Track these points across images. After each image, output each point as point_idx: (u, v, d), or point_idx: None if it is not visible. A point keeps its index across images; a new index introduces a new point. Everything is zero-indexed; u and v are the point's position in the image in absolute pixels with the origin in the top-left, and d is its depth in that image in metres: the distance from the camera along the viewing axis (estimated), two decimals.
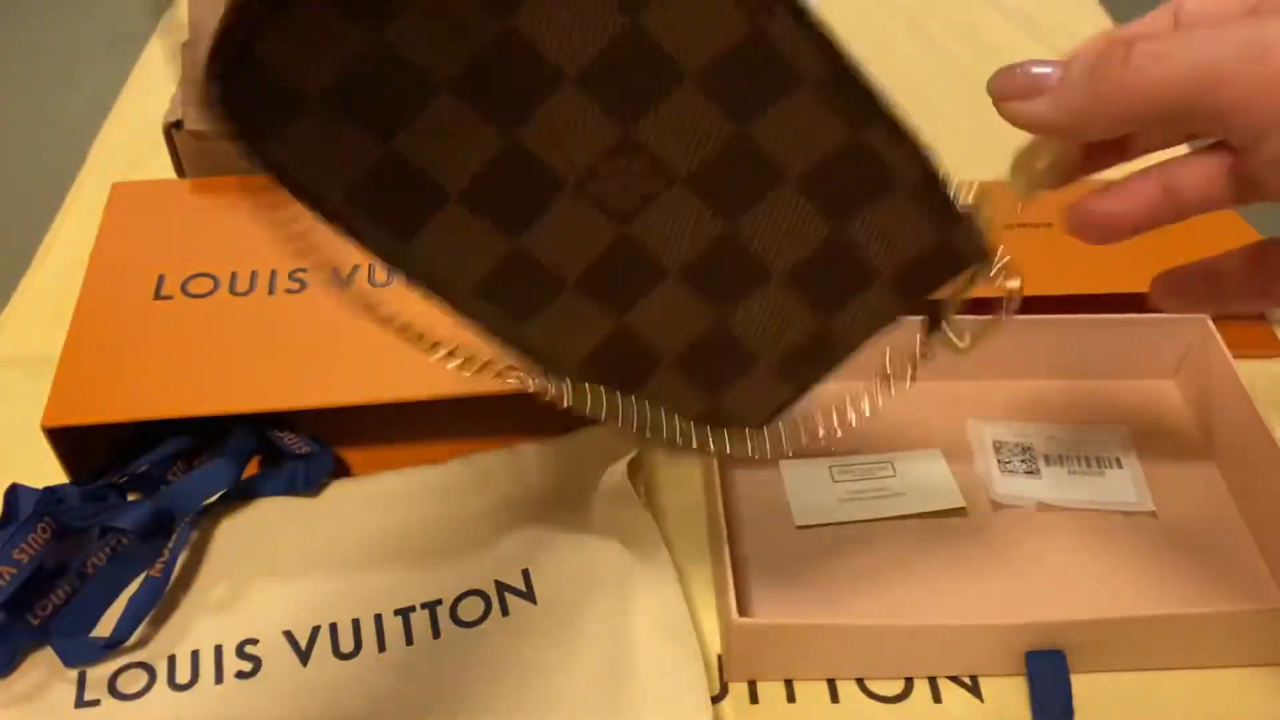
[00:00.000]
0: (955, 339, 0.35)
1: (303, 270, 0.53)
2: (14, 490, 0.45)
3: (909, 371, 0.35)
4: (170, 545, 0.44)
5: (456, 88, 0.27)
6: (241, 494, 0.48)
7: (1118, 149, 0.32)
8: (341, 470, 0.51)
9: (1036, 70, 0.27)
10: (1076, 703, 0.41)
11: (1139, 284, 0.55)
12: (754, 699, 0.43)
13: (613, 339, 0.33)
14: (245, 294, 0.51)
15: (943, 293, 0.34)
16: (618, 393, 0.34)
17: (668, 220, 0.31)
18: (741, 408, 0.35)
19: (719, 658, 0.44)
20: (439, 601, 0.44)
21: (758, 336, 0.34)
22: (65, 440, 0.46)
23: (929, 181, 0.31)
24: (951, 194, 0.31)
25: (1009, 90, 0.28)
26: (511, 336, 0.32)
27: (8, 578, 0.41)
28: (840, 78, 0.28)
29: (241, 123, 0.27)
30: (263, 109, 0.26)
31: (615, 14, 0.27)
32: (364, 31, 0.26)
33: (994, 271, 0.33)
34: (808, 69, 0.28)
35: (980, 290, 0.33)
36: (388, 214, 0.29)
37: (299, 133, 0.27)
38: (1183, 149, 0.31)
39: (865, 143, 0.30)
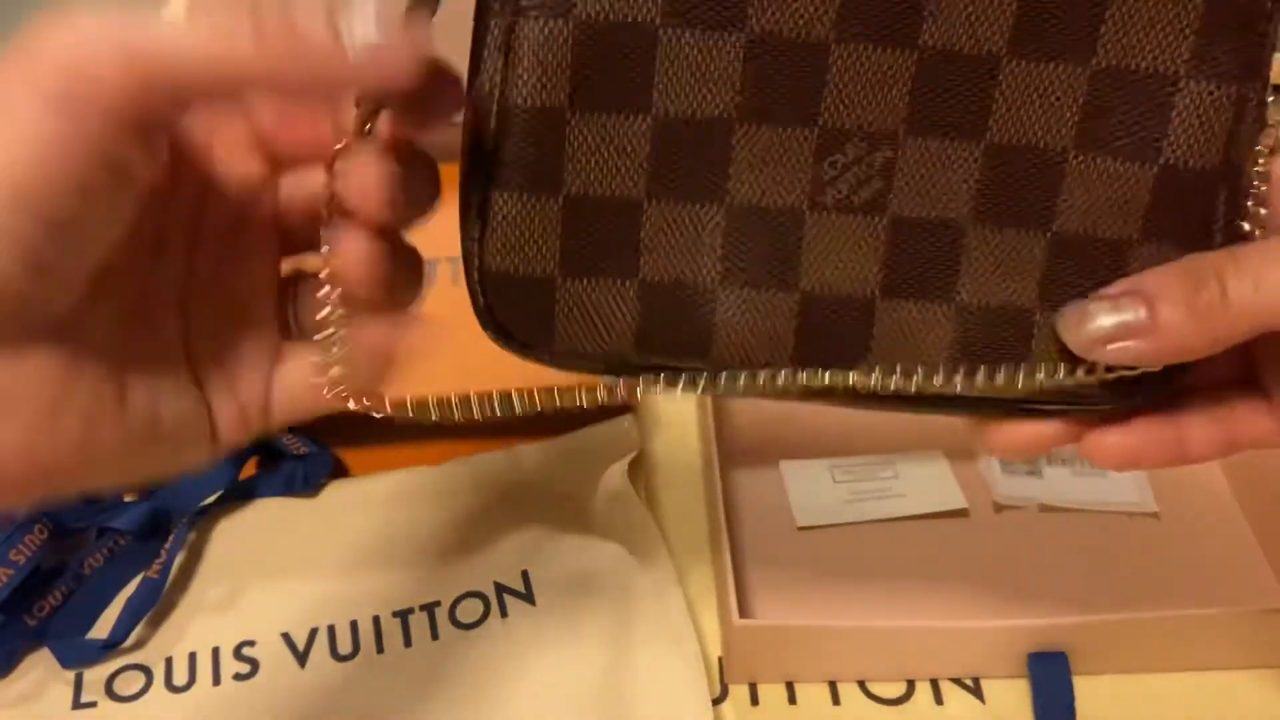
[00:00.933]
0: None
1: None
2: None
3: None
4: (167, 546, 0.44)
5: (655, 193, 0.28)
6: (239, 494, 0.48)
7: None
8: (340, 471, 0.50)
9: (1116, 318, 0.27)
10: (1079, 705, 0.41)
11: None
12: (755, 701, 0.42)
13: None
14: None
15: None
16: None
17: (926, 177, 0.28)
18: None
19: (719, 659, 0.44)
20: (437, 603, 0.44)
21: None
22: None
23: None
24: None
25: (1095, 339, 0.27)
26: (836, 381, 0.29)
27: (4, 579, 0.41)
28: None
29: (516, 337, 0.29)
30: (524, 317, 0.28)
31: None
32: (555, 198, 0.27)
33: None
34: None
35: None
36: (675, 341, 0.29)
37: (564, 314, 0.28)
38: None
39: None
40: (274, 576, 0.45)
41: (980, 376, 0.28)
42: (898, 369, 0.28)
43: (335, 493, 0.48)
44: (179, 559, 0.45)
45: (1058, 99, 0.27)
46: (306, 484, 0.48)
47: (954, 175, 0.28)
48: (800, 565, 0.46)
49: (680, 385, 0.29)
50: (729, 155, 0.27)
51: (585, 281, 0.28)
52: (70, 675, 0.42)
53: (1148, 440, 0.29)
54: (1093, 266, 0.28)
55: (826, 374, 0.28)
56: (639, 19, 0.26)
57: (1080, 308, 0.27)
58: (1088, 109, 0.27)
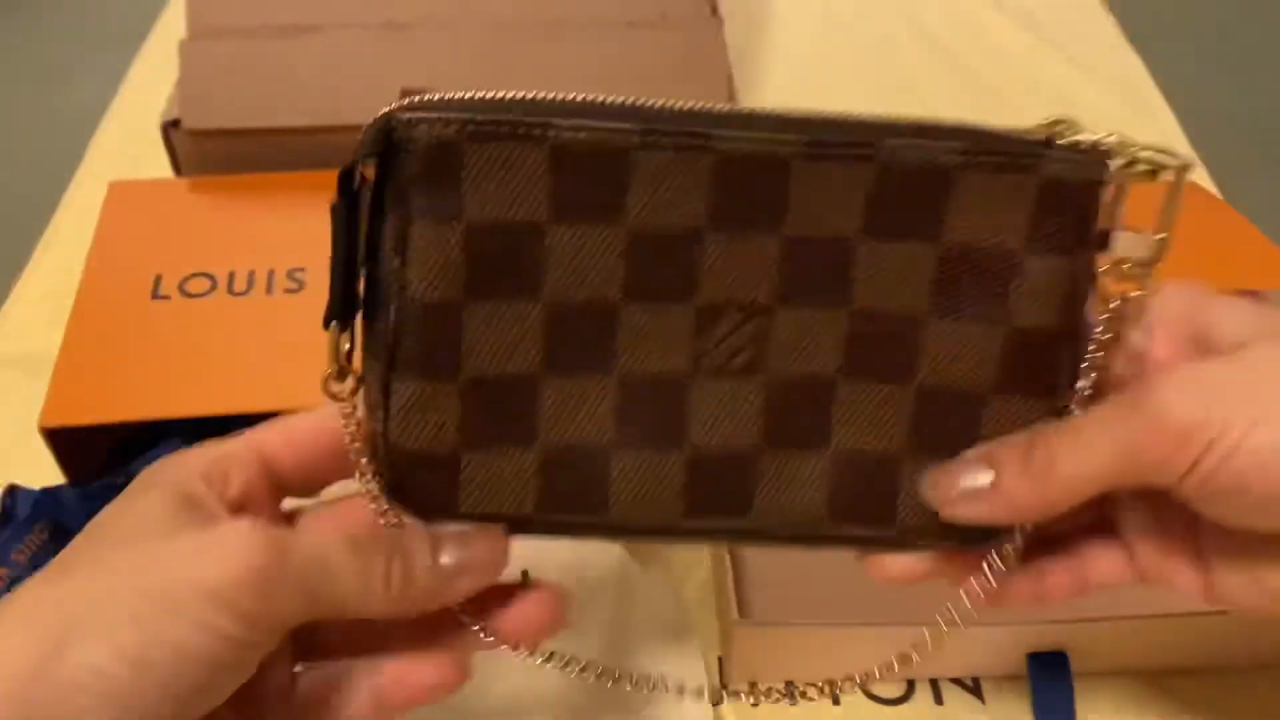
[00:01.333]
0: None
1: (301, 269, 0.53)
2: (12, 491, 0.45)
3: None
4: None
5: (549, 370, 0.29)
6: None
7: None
8: None
9: (971, 480, 0.29)
10: (1079, 704, 0.41)
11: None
12: (754, 700, 0.42)
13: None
14: (243, 294, 0.51)
15: None
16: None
17: (796, 341, 0.30)
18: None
19: (719, 659, 0.44)
20: None
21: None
22: (63, 440, 0.46)
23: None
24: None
25: (951, 500, 0.30)
26: (739, 530, 0.32)
27: (5, 579, 0.41)
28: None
29: (421, 506, 0.30)
30: (429, 489, 0.30)
31: None
32: (454, 382, 0.29)
33: None
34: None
35: None
36: (574, 503, 0.31)
37: (467, 484, 0.30)
38: None
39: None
40: None
41: (854, 525, 0.31)
42: (780, 521, 0.31)
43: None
44: None
45: (911, 272, 0.29)
46: None
47: (823, 338, 0.30)
48: (800, 565, 0.46)
49: (577, 537, 0.32)
50: (615, 332, 0.29)
51: (486, 454, 0.30)
52: None
53: (1008, 586, 0.32)
54: (953, 416, 0.30)
55: (716, 523, 0.31)
56: (526, 219, 0.28)
57: (940, 470, 0.30)
58: (939, 281, 0.29)
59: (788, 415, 0.30)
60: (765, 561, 0.46)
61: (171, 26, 0.82)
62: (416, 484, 0.30)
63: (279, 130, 0.61)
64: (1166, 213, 0.30)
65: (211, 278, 0.52)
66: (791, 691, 0.35)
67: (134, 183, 0.59)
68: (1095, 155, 0.29)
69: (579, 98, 0.28)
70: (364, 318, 0.29)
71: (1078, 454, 0.28)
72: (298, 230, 0.55)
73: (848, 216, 0.29)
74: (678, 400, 0.30)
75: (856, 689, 0.42)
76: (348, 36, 0.62)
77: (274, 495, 0.31)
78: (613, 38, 0.63)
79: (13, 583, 0.41)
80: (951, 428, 0.30)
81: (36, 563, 0.42)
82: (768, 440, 0.30)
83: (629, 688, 0.34)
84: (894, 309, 0.30)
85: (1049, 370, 0.30)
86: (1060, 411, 0.30)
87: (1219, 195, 0.65)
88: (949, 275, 0.29)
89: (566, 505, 0.30)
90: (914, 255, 0.29)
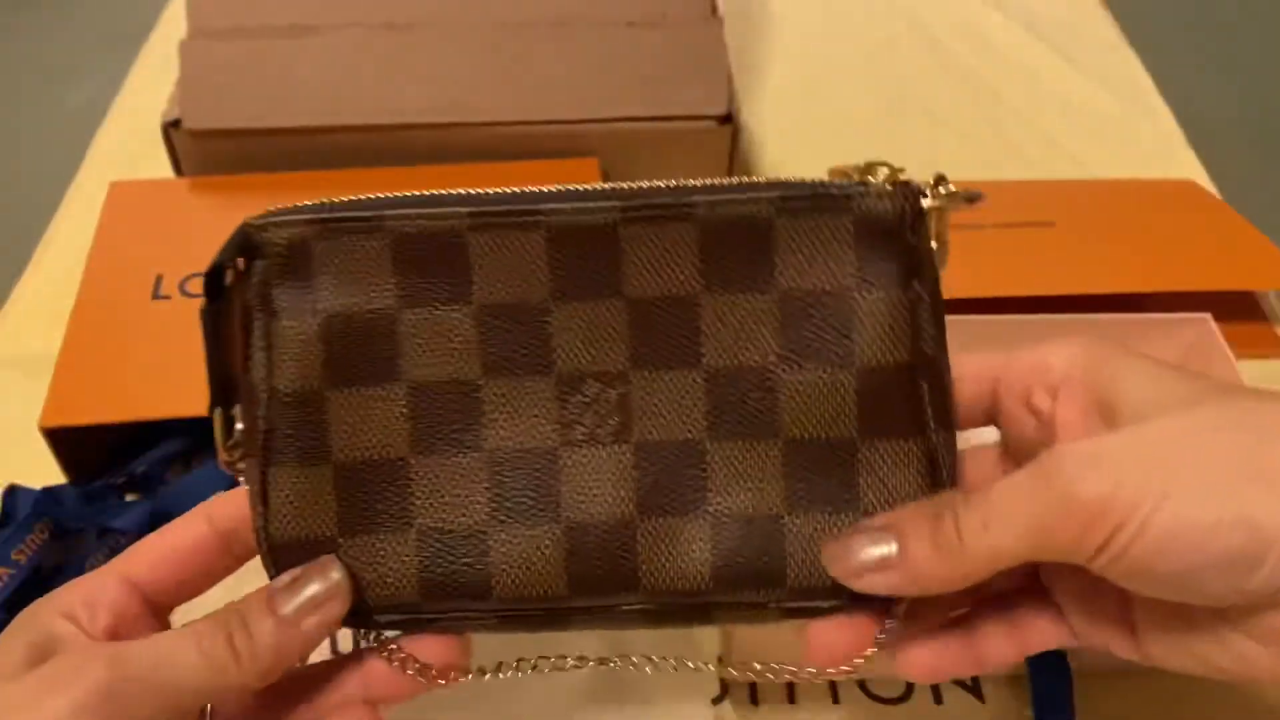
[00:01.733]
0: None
1: None
2: (12, 491, 0.45)
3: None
4: None
5: (417, 451, 0.30)
6: None
7: None
8: None
9: (873, 552, 0.28)
10: (1078, 703, 0.41)
11: (1138, 284, 0.55)
12: (754, 700, 0.42)
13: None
14: None
15: None
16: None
17: (659, 405, 0.30)
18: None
19: (719, 658, 0.44)
20: None
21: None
22: (63, 440, 0.46)
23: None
24: None
25: (853, 570, 0.29)
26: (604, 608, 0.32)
27: (5, 578, 0.41)
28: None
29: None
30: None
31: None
32: (325, 466, 0.30)
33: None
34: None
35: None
36: (457, 586, 0.31)
37: (350, 572, 0.30)
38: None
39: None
40: None
41: (745, 591, 0.31)
42: (668, 592, 0.31)
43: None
44: None
45: (754, 324, 0.30)
46: None
47: (683, 400, 0.30)
48: None
49: (476, 630, 0.32)
50: (480, 408, 0.30)
51: (364, 538, 0.30)
52: None
53: (946, 656, 0.31)
54: (826, 468, 0.30)
55: (606, 599, 0.31)
56: (377, 306, 0.30)
57: (841, 541, 0.29)
58: (783, 330, 0.30)
59: (661, 481, 0.30)
60: None
61: (171, 26, 0.82)
62: None
63: (279, 130, 0.61)
64: (941, 224, 0.30)
65: None
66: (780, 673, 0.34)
67: (134, 183, 0.59)
68: (906, 188, 0.29)
69: (421, 194, 0.30)
70: (241, 417, 0.31)
71: (988, 530, 0.27)
72: None
73: (684, 275, 0.30)
74: (550, 473, 0.30)
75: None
76: (348, 36, 0.62)
77: (155, 613, 0.31)
78: (613, 38, 0.63)
79: (12, 582, 0.41)
80: (828, 480, 0.30)
81: (36, 563, 0.42)
82: (643, 508, 0.30)
83: (631, 667, 0.33)
84: (746, 364, 0.30)
85: (913, 406, 0.30)
86: (935, 448, 0.30)
87: (1219, 195, 0.65)
88: (790, 323, 0.30)
89: (450, 591, 0.30)
90: (754, 307, 0.30)
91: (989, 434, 0.33)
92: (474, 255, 0.29)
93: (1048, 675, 0.41)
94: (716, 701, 0.42)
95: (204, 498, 0.46)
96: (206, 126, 0.60)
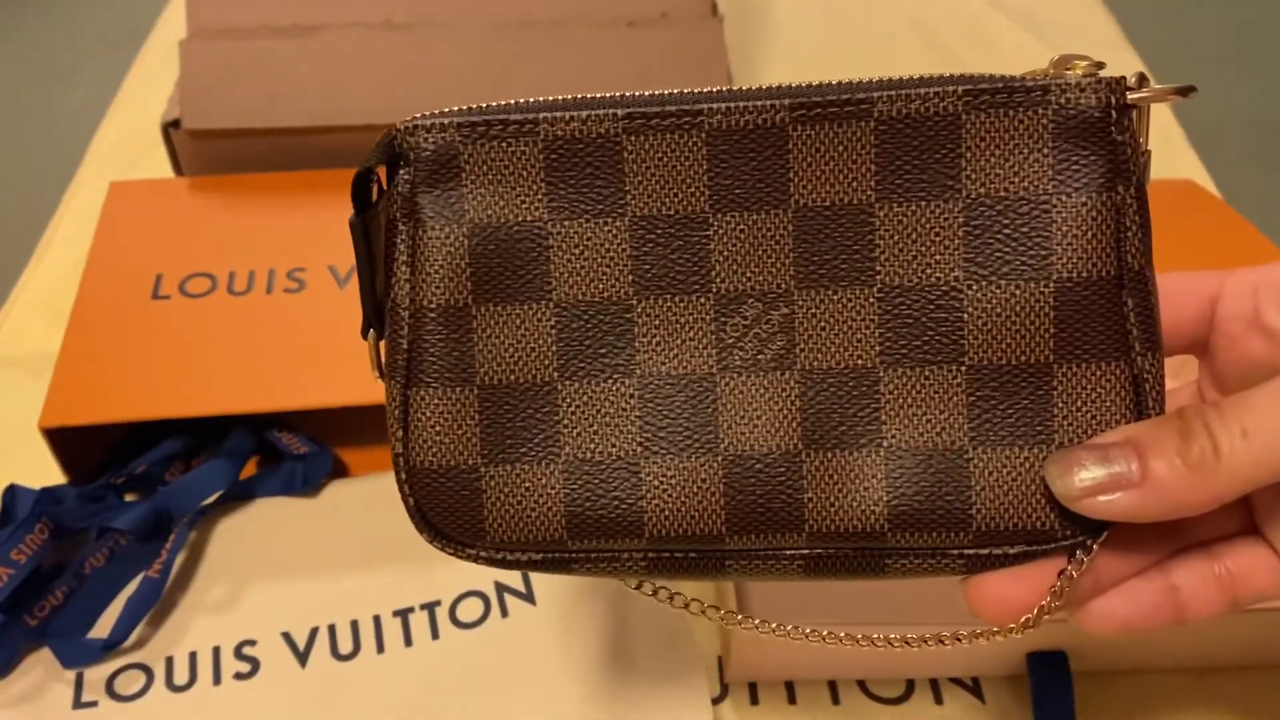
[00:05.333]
0: None
1: (301, 269, 0.53)
2: (12, 490, 0.45)
3: None
4: (168, 546, 0.44)
5: (565, 375, 0.29)
6: (240, 494, 0.48)
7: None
8: (340, 471, 0.50)
9: (1108, 469, 0.26)
10: (1078, 704, 0.41)
11: None
12: (754, 700, 0.42)
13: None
14: (243, 293, 0.51)
15: None
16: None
17: (827, 328, 0.28)
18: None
19: (719, 659, 0.44)
20: (438, 602, 0.44)
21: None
22: (63, 440, 0.46)
23: None
24: None
25: (1084, 490, 0.26)
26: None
27: (5, 578, 0.41)
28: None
29: (449, 535, 0.29)
30: (453, 512, 0.29)
31: None
32: (470, 388, 0.28)
33: None
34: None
35: None
36: (607, 522, 0.29)
37: (492, 504, 0.29)
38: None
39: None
40: (274, 576, 0.45)
41: (922, 533, 0.28)
42: (836, 534, 0.28)
43: (335, 492, 0.48)
44: (180, 559, 0.45)
45: (937, 236, 0.27)
46: (306, 484, 0.48)
47: (854, 322, 0.28)
48: None
49: (628, 575, 0.29)
50: (632, 330, 0.28)
51: (508, 468, 0.29)
52: (71, 675, 0.42)
53: (1143, 605, 0.28)
54: (1015, 397, 0.28)
55: (767, 540, 0.28)
56: (527, 217, 0.28)
57: (1068, 455, 0.27)
58: (969, 240, 0.27)
59: (829, 411, 0.28)
60: None
61: (171, 26, 0.82)
62: (441, 506, 0.29)
63: (279, 130, 0.61)
64: (1143, 125, 0.27)
65: (211, 278, 0.52)
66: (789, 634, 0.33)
67: (134, 183, 0.59)
68: (1109, 81, 0.26)
69: (570, 96, 0.28)
70: (384, 336, 0.29)
71: (1251, 439, 0.24)
72: (298, 230, 0.55)
73: (858, 182, 0.27)
74: (706, 401, 0.28)
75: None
76: (348, 36, 0.62)
77: None
78: (613, 38, 0.63)
79: (12, 582, 0.41)
80: (1017, 410, 0.27)
81: (36, 563, 0.42)
82: (810, 441, 0.28)
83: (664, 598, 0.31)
84: (925, 280, 0.27)
85: (1116, 326, 0.27)
86: (1140, 372, 0.27)
87: (1219, 195, 0.65)
88: (978, 233, 0.27)
89: (599, 527, 0.28)
90: (936, 216, 0.27)
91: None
92: (628, 161, 0.28)
93: (1048, 675, 0.41)
94: (717, 701, 0.42)
95: (204, 497, 0.47)
96: (206, 126, 0.60)
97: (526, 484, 0.29)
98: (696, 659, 0.42)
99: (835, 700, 0.42)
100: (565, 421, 0.29)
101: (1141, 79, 0.27)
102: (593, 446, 0.29)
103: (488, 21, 0.63)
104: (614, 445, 0.28)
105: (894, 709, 0.42)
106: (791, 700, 0.42)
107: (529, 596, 0.44)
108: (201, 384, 0.47)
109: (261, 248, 0.54)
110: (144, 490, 0.48)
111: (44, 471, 0.46)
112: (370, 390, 0.46)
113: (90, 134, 0.74)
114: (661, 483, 0.28)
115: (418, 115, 0.28)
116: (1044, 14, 0.86)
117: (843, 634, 0.32)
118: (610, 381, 0.28)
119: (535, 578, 0.45)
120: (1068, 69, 0.27)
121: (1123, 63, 0.82)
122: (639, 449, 0.28)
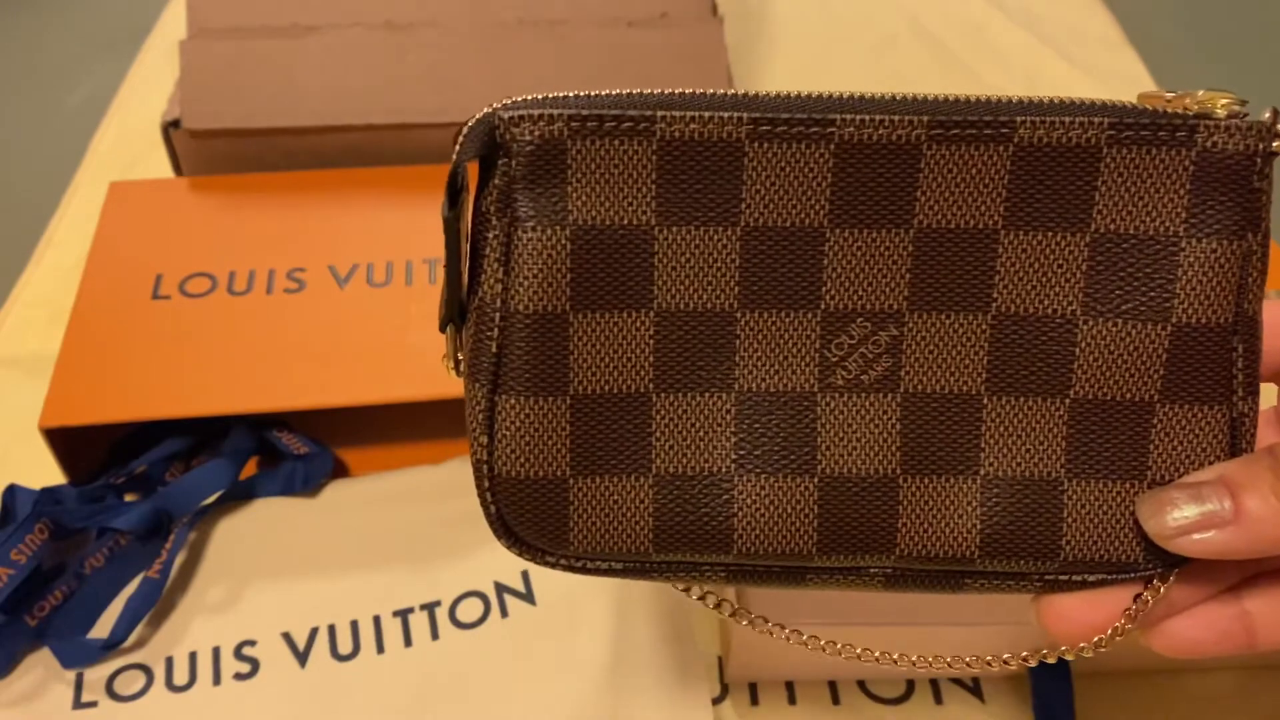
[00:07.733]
0: None
1: (301, 269, 0.53)
2: (12, 491, 0.45)
3: None
4: (168, 546, 0.44)
5: (661, 387, 0.28)
6: (240, 494, 0.48)
7: None
8: (340, 471, 0.50)
9: (1205, 508, 0.26)
10: (1079, 705, 0.41)
11: None
12: (755, 700, 0.42)
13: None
14: (243, 293, 0.51)
15: None
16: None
17: (936, 352, 0.28)
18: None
19: (719, 659, 0.44)
20: (438, 603, 0.44)
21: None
22: (63, 440, 0.46)
23: None
24: None
25: (1177, 529, 0.26)
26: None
27: (5, 579, 0.41)
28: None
29: (530, 543, 0.28)
30: (537, 521, 0.28)
31: None
32: (562, 399, 0.27)
33: None
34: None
35: None
36: (695, 536, 0.28)
37: (578, 515, 0.28)
38: None
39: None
40: (274, 576, 0.45)
41: (1011, 560, 0.28)
42: (926, 559, 0.28)
43: (336, 493, 0.48)
44: (179, 559, 0.45)
45: (1059, 267, 0.27)
46: (307, 484, 0.48)
47: (964, 348, 0.28)
48: None
49: (705, 584, 0.29)
50: (733, 344, 0.27)
51: (598, 480, 0.28)
52: (71, 675, 0.42)
53: (1214, 629, 0.28)
54: (1114, 432, 0.28)
55: (856, 560, 0.28)
56: (633, 222, 0.27)
57: (1161, 495, 0.27)
58: (1091, 275, 0.27)
59: (929, 437, 0.28)
60: None
61: (171, 26, 0.82)
62: (524, 516, 0.28)
63: (279, 130, 0.61)
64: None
65: (211, 278, 0.52)
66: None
67: (134, 183, 0.59)
68: (1257, 126, 0.26)
69: (683, 91, 0.27)
70: (468, 336, 0.28)
71: None
72: (298, 230, 0.55)
73: (987, 207, 0.27)
74: (805, 420, 0.28)
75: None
76: (348, 36, 0.62)
77: None
78: (613, 38, 0.63)
79: (12, 582, 0.41)
80: (1115, 445, 0.28)
81: (36, 563, 0.42)
82: (908, 466, 0.28)
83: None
84: (1042, 311, 0.27)
85: (1223, 370, 0.27)
86: (1239, 415, 0.27)
87: None
88: (1101, 268, 0.27)
89: (686, 542, 0.28)
90: (1061, 247, 0.27)
91: None
92: (748, 169, 0.26)
93: (1048, 675, 0.42)
94: (717, 701, 0.42)
95: (204, 498, 0.47)
96: (206, 126, 0.60)
97: (615, 497, 0.28)
98: (696, 659, 0.42)
99: (835, 700, 0.42)
100: (658, 434, 0.28)
101: (1277, 117, 0.26)
102: (685, 461, 0.28)
103: (488, 21, 0.63)
104: (707, 460, 0.28)
105: (894, 709, 0.42)
106: (791, 700, 0.42)
107: (529, 597, 0.44)
108: (201, 384, 0.47)
109: (261, 248, 0.54)
110: (144, 490, 0.48)
111: (44, 471, 0.46)
112: (371, 390, 0.46)
113: (90, 134, 0.74)
114: (754, 501, 0.28)
115: (517, 101, 0.26)
116: (1044, 14, 0.86)
117: (841, 644, 0.32)
118: (707, 395, 0.28)
119: (535, 577, 0.45)
120: (1209, 105, 0.26)
121: (1123, 62, 0.82)
122: (733, 465, 0.28)
